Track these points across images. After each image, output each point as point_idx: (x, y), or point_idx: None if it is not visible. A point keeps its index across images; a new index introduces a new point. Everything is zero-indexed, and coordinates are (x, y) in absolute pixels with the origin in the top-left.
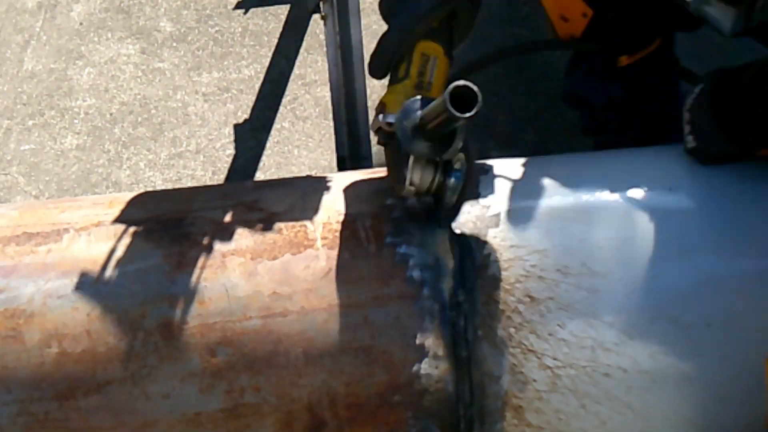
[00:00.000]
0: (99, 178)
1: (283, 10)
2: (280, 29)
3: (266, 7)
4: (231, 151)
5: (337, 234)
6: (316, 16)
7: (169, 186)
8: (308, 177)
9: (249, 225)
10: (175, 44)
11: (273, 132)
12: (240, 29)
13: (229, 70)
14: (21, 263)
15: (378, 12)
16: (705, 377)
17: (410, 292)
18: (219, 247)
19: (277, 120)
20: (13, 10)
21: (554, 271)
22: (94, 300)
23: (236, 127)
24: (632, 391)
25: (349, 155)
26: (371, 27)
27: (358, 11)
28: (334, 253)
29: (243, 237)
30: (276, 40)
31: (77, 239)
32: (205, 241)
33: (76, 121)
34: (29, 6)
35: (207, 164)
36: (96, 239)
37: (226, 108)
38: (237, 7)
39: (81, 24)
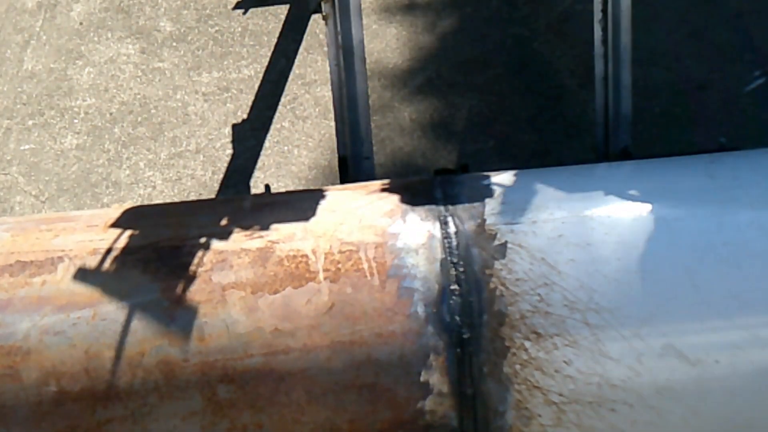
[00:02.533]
0: (99, 178)
1: (282, 10)
2: (280, 29)
3: (266, 7)
4: (231, 150)
5: (340, 266)
6: (315, 16)
7: (169, 186)
8: (308, 193)
9: (249, 255)
10: (174, 44)
11: (273, 131)
12: (240, 29)
13: (228, 70)
14: (15, 297)
15: (378, 12)
16: (712, 412)
17: (414, 329)
18: (218, 279)
19: (276, 119)
20: (13, 10)
21: (561, 306)
22: (92, 337)
23: (236, 126)
24: (637, 425)
25: (351, 155)
26: (371, 27)
27: (360, 11)
28: (337, 286)
29: (243, 268)
30: (276, 40)
31: (72, 270)
32: (204, 273)
33: (75, 120)
34: (29, 6)
35: (207, 164)
36: (91, 271)
37: (225, 108)
38: (236, 7)
39: (81, 24)
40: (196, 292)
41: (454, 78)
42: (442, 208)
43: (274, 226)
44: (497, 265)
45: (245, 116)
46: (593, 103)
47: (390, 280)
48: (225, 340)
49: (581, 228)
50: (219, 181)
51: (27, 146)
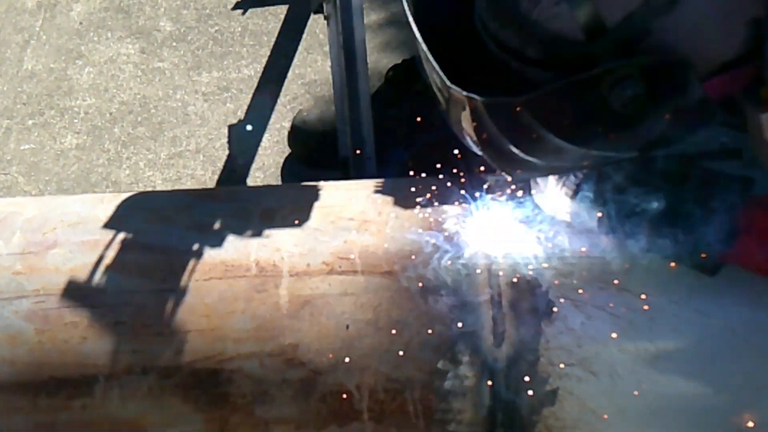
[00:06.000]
0: (99, 178)
1: (282, 10)
2: (279, 29)
3: (265, 7)
4: (230, 150)
5: (384, 406)
6: (315, 16)
7: (169, 185)
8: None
9: (291, 386)
10: (174, 44)
11: (273, 131)
12: (240, 29)
13: (228, 70)
14: (58, 421)
15: (378, 12)
16: None
17: None
18: (261, 413)
19: (276, 119)
20: (12, 10)
21: None
22: None
23: (236, 126)
24: None
25: (352, 156)
26: (371, 27)
27: (361, 11)
28: (381, 427)
29: (285, 403)
30: (275, 40)
31: (110, 393)
32: (247, 405)
33: (75, 120)
34: (29, 6)
35: (207, 164)
36: (129, 394)
37: (225, 107)
38: (236, 7)
39: (81, 24)
40: (239, 425)
41: None
42: (493, 348)
43: (316, 349)
44: (545, 411)
45: (245, 116)
46: None
47: (435, 424)
48: None
49: (637, 380)
50: (218, 181)
51: (27, 146)
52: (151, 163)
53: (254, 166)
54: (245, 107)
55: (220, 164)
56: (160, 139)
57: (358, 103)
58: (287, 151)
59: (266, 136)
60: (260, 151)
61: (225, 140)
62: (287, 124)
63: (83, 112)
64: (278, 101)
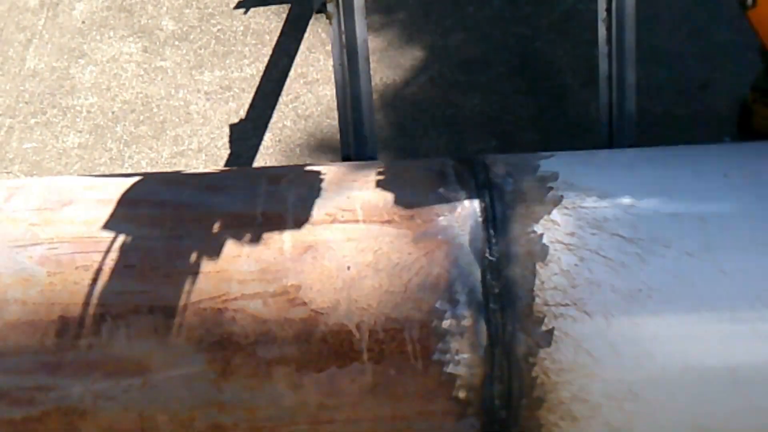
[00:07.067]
0: None
1: (284, 9)
2: (281, 28)
3: (268, 6)
4: (233, 149)
5: (384, 346)
6: (317, 15)
7: None
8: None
9: (293, 327)
10: (177, 43)
11: (275, 130)
12: (242, 28)
13: (230, 69)
14: (64, 360)
15: (380, 11)
16: None
17: (455, 410)
18: (263, 354)
19: (278, 118)
20: (15, 9)
21: (599, 395)
22: (144, 403)
23: (238, 125)
24: None
25: (355, 155)
26: (373, 26)
27: (363, 11)
28: (380, 368)
29: (287, 344)
30: (277, 39)
31: (116, 333)
32: (249, 345)
33: (78, 119)
34: (31, 5)
35: (209, 163)
36: (136, 334)
37: (227, 106)
38: (238, 6)
39: (83, 23)
40: (241, 366)
41: (457, 77)
42: (493, 284)
43: (318, 289)
44: (541, 353)
45: (247, 115)
46: (596, 103)
47: (433, 365)
48: (272, 411)
49: (631, 320)
50: None
51: (29, 145)
52: (154, 162)
53: (256, 165)
54: (247, 106)
55: (222, 163)
56: (162, 138)
57: (360, 102)
58: (289, 150)
59: (268, 135)
60: (262, 150)
61: (227, 139)
62: (289, 123)
63: (85, 111)
64: (279, 100)
